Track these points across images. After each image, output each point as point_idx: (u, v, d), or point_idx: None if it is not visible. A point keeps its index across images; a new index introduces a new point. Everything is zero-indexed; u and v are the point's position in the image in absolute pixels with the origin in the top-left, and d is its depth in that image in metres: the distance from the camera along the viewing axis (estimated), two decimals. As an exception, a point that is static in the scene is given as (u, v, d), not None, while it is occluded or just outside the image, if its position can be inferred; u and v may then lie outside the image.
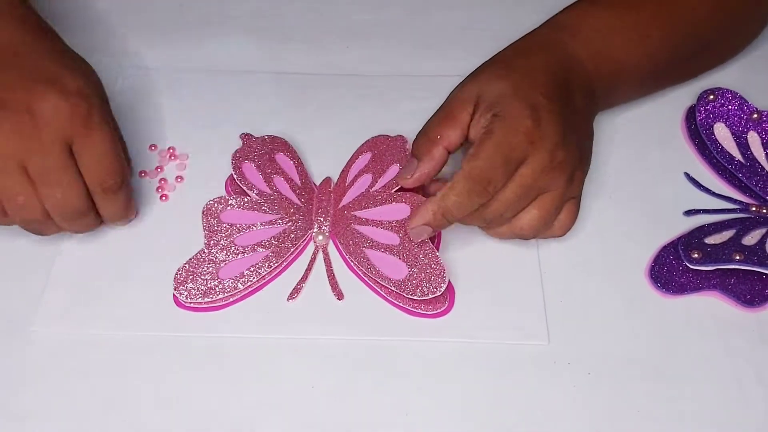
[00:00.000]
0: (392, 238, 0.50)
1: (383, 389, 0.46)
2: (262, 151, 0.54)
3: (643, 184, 0.56)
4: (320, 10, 0.66)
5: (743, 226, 0.52)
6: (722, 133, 0.57)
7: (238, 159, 0.54)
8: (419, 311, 0.49)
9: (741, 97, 0.57)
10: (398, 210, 0.51)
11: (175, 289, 0.49)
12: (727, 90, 0.57)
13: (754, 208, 0.54)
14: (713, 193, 0.55)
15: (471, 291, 0.50)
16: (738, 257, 0.49)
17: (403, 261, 0.49)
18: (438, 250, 0.51)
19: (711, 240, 0.51)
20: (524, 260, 0.52)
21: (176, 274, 0.49)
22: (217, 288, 0.49)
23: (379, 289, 0.50)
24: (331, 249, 0.52)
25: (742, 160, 0.56)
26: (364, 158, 0.55)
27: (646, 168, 0.57)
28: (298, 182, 0.54)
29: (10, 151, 0.45)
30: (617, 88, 0.55)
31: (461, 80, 0.50)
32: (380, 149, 0.55)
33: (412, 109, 0.57)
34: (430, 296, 0.48)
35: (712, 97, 0.57)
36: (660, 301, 0.50)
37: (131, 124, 0.58)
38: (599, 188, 0.55)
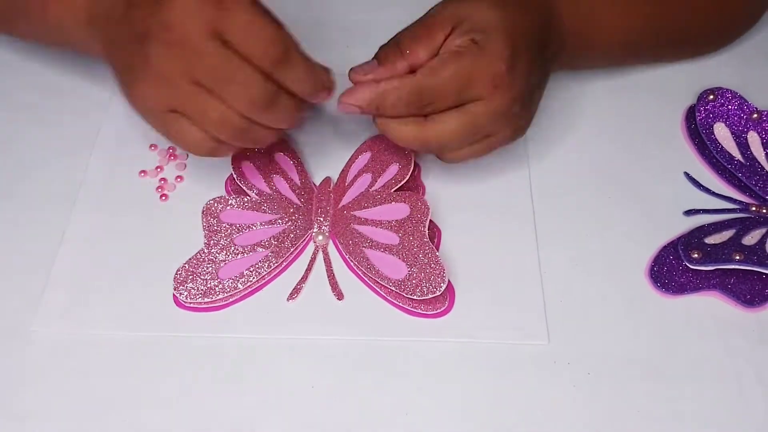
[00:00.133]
0: (392, 238, 0.50)
1: (383, 389, 0.46)
2: (262, 151, 0.54)
3: (643, 184, 0.56)
4: (320, 10, 0.66)
5: (743, 226, 0.52)
6: (722, 132, 0.57)
7: (238, 159, 0.54)
8: (419, 311, 0.49)
9: (741, 97, 0.57)
10: (398, 210, 0.51)
11: (175, 289, 0.49)
12: (727, 90, 0.57)
13: (754, 208, 0.54)
14: (713, 192, 0.55)
15: (471, 291, 0.50)
16: (738, 257, 0.49)
17: (403, 261, 0.49)
18: (438, 250, 0.51)
19: (711, 240, 0.51)
20: (524, 260, 0.52)
21: (176, 274, 0.49)
22: (217, 288, 0.49)
23: (378, 289, 0.50)
24: (331, 249, 0.52)
25: (742, 159, 0.56)
26: (364, 158, 0.55)
27: (646, 168, 0.57)
28: (298, 182, 0.54)
29: (179, 75, 0.42)
30: (589, 54, 0.54)
31: None
32: (380, 148, 0.55)
33: (412, 109, 0.57)
34: (430, 296, 0.48)
35: (712, 96, 0.57)
36: (660, 301, 0.50)
37: (131, 124, 0.58)
38: (599, 188, 0.55)
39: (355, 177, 0.54)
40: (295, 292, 0.50)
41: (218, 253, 0.50)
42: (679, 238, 0.52)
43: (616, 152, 0.57)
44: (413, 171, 0.54)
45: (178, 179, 0.55)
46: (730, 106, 0.57)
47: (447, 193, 0.55)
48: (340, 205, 0.53)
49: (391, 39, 0.48)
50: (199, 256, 0.50)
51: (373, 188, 0.53)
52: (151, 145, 0.57)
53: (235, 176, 0.53)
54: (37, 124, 0.58)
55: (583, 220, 0.54)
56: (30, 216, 0.53)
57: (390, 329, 0.49)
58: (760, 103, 0.57)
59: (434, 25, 0.47)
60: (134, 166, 0.56)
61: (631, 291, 0.51)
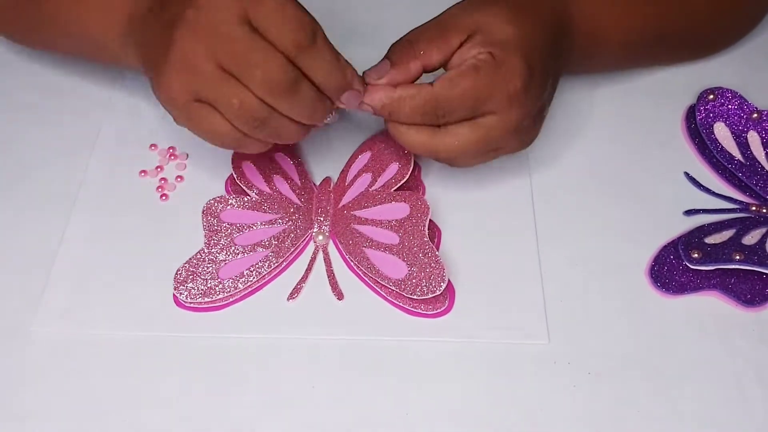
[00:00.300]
0: (392, 238, 0.50)
1: (383, 389, 0.46)
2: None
3: (643, 184, 0.56)
4: (320, 10, 0.66)
5: (743, 226, 0.52)
6: (722, 132, 0.57)
7: (238, 159, 0.54)
8: (419, 311, 0.49)
9: (741, 97, 0.57)
10: (398, 209, 0.51)
11: (175, 289, 0.49)
12: (727, 89, 0.57)
13: (754, 208, 0.54)
14: (713, 192, 0.55)
15: (471, 291, 0.50)
16: (738, 257, 0.49)
17: (403, 260, 0.49)
18: (438, 250, 0.51)
19: (711, 240, 0.51)
20: (524, 260, 0.52)
21: (176, 274, 0.49)
22: (217, 288, 0.49)
23: (379, 289, 0.50)
24: (331, 249, 0.52)
25: (742, 159, 0.56)
26: (364, 157, 0.55)
27: (646, 168, 0.57)
28: (298, 182, 0.54)
29: (204, 60, 0.42)
30: (597, 56, 0.54)
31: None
32: (379, 148, 0.55)
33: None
34: (430, 296, 0.48)
35: (711, 96, 0.57)
36: (660, 301, 0.50)
37: (131, 124, 0.58)
38: (599, 188, 0.55)
39: (355, 177, 0.54)
40: (295, 292, 0.50)
41: (218, 253, 0.50)
42: (679, 238, 0.52)
43: (616, 152, 0.57)
44: (413, 171, 0.54)
45: (179, 179, 0.55)
46: (730, 106, 0.57)
47: (447, 193, 0.55)
48: (340, 205, 0.53)
49: (404, 37, 0.48)
50: (199, 256, 0.50)
51: (373, 188, 0.53)
52: (151, 145, 0.57)
53: (235, 176, 0.53)
54: (37, 124, 0.58)
55: (583, 220, 0.54)
56: (30, 216, 0.53)
57: (390, 329, 0.49)
58: (760, 103, 0.57)
59: (450, 29, 0.46)
60: (134, 166, 0.56)
61: (631, 291, 0.51)
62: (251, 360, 0.47)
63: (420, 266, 0.49)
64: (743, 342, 0.48)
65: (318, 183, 0.54)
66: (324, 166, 0.56)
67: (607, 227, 0.53)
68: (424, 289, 0.48)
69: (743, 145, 0.56)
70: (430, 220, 0.51)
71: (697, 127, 0.57)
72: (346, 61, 0.45)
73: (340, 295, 0.50)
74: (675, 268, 0.51)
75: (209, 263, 0.50)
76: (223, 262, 0.50)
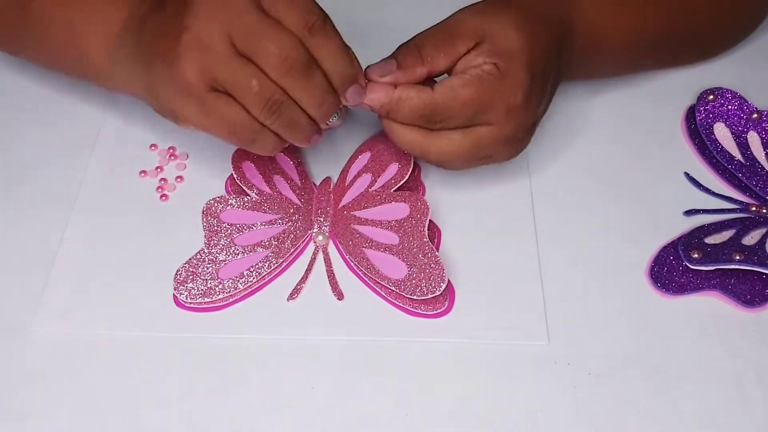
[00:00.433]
0: (392, 238, 0.50)
1: (383, 389, 0.46)
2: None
3: (643, 184, 0.56)
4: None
5: (743, 226, 0.52)
6: (722, 132, 0.57)
7: (238, 159, 0.54)
8: (419, 311, 0.49)
9: (741, 97, 0.57)
10: (398, 210, 0.51)
11: (175, 289, 0.49)
12: (727, 90, 0.57)
13: (754, 208, 0.54)
14: (713, 193, 0.55)
15: (471, 291, 0.50)
16: (738, 257, 0.49)
17: (403, 261, 0.49)
18: (438, 250, 0.51)
19: (711, 240, 0.51)
20: (524, 260, 0.52)
21: (176, 274, 0.49)
22: (217, 288, 0.49)
23: (378, 289, 0.50)
24: (331, 249, 0.52)
25: (742, 159, 0.56)
26: (364, 158, 0.55)
27: (646, 168, 0.57)
28: (298, 182, 0.54)
29: (218, 38, 0.42)
30: (599, 60, 0.54)
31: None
32: (379, 148, 0.55)
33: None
34: (430, 296, 0.48)
35: (711, 97, 0.57)
36: (660, 301, 0.50)
37: (131, 124, 0.58)
38: (599, 188, 0.55)
39: (355, 177, 0.54)
40: (295, 292, 0.50)
41: (218, 253, 0.50)
42: (679, 238, 0.52)
43: (616, 152, 0.57)
44: (413, 171, 0.54)
45: (178, 179, 0.55)
46: (730, 106, 0.57)
47: (447, 193, 0.55)
48: (340, 205, 0.53)
49: (411, 40, 0.48)
50: (199, 256, 0.50)
51: (373, 188, 0.53)
52: (151, 145, 0.57)
53: (235, 176, 0.53)
54: (37, 124, 0.58)
55: (583, 220, 0.54)
56: (30, 216, 0.53)
57: (390, 329, 0.49)
58: (760, 103, 0.57)
59: (458, 36, 0.46)
60: (134, 166, 0.56)
61: (631, 291, 0.51)
62: (251, 360, 0.47)
63: (420, 266, 0.49)
64: (743, 342, 0.48)
65: (318, 183, 0.54)
66: (324, 166, 0.56)
67: (607, 227, 0.53)
68: (424, 289, 0.48)
69: (743, 146, 0.56)
70: (430, 221, 0.51)
71: (697, 128, 0.57)
72: (353, 52, 0.46)
73: (340, 296, 0.50)
74: (675, 268, 0.51)
75: (209, 263, 0.50)
76: (223, 263, 0.50)
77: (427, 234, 0.50)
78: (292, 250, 0.51)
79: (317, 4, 0.44)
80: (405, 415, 0.45)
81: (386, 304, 0.50)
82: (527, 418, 0.45)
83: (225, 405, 0.46)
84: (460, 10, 0.48)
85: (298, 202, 0.53)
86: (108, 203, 0.54)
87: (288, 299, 0.50)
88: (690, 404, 0.46)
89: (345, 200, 0.53)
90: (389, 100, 0.46)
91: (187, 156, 0.57)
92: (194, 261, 0.50)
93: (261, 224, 0.51)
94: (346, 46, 0.45)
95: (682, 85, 0.61)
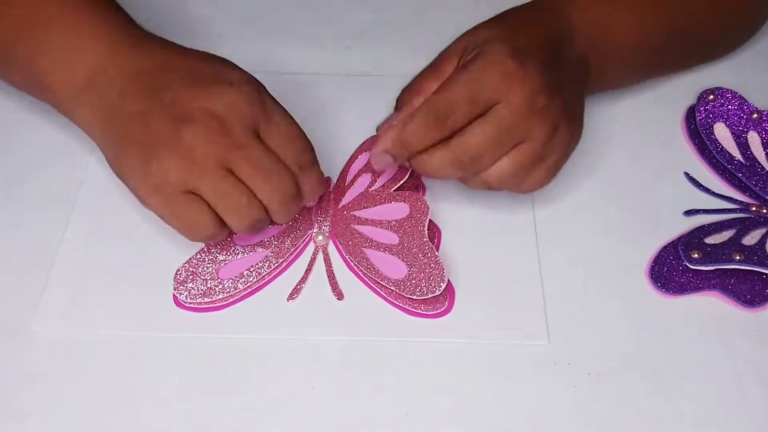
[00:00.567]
0: (392, 238, 0.50)
1: (383, 389, 0.46)
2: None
3: (643, 184, 0.56)
4: (320, 9, 0.66)
5: (743, 226, 0.52)
6: (722, 132, 0.57)
7: (238, 159, 0.54)
8: (419, 311, 0.49)
9: (741, 97, 0.57)
10: (397, 209, 0.51)
11: (175, 289, 0.49)
12: (727, 90, 0.57)
13: (754, 208, 0.54)
14: (713, 193, 0.55)
15: (471, 291, 0.50)
16: (738, 257, 0.49)
17: (403, 261, 0.49)
18: (438, 250, 0.51)
19: (711, 240, 0.51)
20: (524, 260, 0.52)
21: (176, 274, 0.49)
22: (217, 288, 0.49)
23: (378, 289, 0.50)
24: (331, 249, 0.52)
25: (742, 159, 0.56)
26: (364, 158, 0.55)
27: (646, 168, 0.57)
28: (298, 182, 0.54)
29: (213, 159, 0.43)
30: (611, 65, 0.54)
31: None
32: (380, 149, 0.55)
33: (412, 109, 0.57)
34: (430, 296, 0.48)
35: (711, 96, 0.57)
36: (660, 301, 0.50)
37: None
38: (599, 188, 0.55)
39: (355, 177, 0.54)
40: (295, 292, 0.50)
41: (218, 253, 0.50)
42: (679, 238, 0.52)
43: (616, 152, 0.57)
44: (413, 171, 0.54)
45: (178, 179, 0.55)
46: (730, 106, 0.57)
47: (447, 193, 0.55)
48: (339, 205, 0.53)
49: (404, 88, 0.49)
50: (199, 256, 0.50)
51: (373, 188, 0.53)
52: (151, 145, 0.57)
53: (235, 176, 0.53)
54: (37, 124, 0.58)
55: (583, 220, 0.54)
56: (30, 216, 0.53)
57: (390, 329, 0.49)
58: (760, 104, 0.57)
59: (442, 61, 0.48)
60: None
61: (631, 291, 0.51)
62: (251, 360, 0.47)
63: (420, 266, 0.49)
64: (743, 342, 0.49)
65: (318, 183, 0.55)
66: (324, 166, 0.55)
67: (607, 227, 0.53)
68: (424, 289, 0.48)
69: (743, 146, 0.56)
70: (430, 220, 0.51)
71: (697, 128, 0.57)
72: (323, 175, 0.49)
73: (340, 296, 0.50)
74: (675, 268, 0.51)
75: (209, 263, 0.50)
76: (223, 263, 0.50)
77: (427, 234, 0.50)
78: (292, 250, 0.51)
79: (309, 140, 0.47)
80: (405, 415, 0.45)
81: (386, 304, 0.50)
82: (527, 418, 0.45)
83: (225, 405, 0.46)
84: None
85: (298, 202, 0.53)
86: (108, 203, 0.54)
87: (288, 299, 0.50)
88: (690, 404, 0.46)
89: (345, 200, 0.53)
90: (395, 131, 0.46)
91: (187, 156, 0.57)
92: (194, 261, 0.50)
93: (261, 224, 0.51)
94: (322, 174, 0.48)
95: (682, 85, 0.61)
